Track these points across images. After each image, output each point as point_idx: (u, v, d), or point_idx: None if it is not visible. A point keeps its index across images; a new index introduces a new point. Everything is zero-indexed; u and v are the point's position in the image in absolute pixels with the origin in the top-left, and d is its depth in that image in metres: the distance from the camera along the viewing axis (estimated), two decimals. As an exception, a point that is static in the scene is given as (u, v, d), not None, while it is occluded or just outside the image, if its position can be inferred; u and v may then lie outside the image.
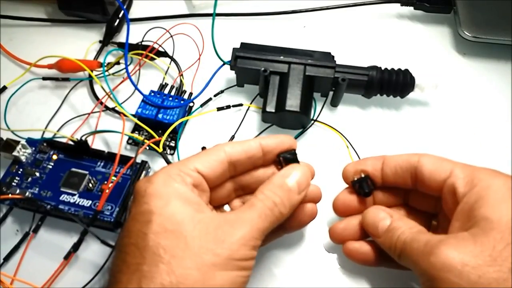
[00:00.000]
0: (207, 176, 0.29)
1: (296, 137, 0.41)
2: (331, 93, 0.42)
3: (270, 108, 0.38)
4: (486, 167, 0.28)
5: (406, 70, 0.41)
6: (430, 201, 0.31)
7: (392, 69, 0.41)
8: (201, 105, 0.43)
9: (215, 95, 0.43)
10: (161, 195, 0.26)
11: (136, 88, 0.40)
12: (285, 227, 0.32)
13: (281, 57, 0.40)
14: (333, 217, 0.35)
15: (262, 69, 0.39)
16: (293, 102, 0.38)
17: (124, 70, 0.44)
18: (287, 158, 0.31)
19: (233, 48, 0.41)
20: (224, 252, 0.25)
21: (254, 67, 0.40)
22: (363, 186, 0.31)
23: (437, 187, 0.29)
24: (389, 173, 0.31)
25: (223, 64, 0.42)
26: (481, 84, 0.45)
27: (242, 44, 0.42)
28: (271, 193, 0.28)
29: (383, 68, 0.41)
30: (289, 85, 0.38)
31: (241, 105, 0.42)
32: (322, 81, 0.40)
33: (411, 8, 0.49)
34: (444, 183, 0.28)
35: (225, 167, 0.29)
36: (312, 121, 0.41)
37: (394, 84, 0.40)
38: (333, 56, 0.41)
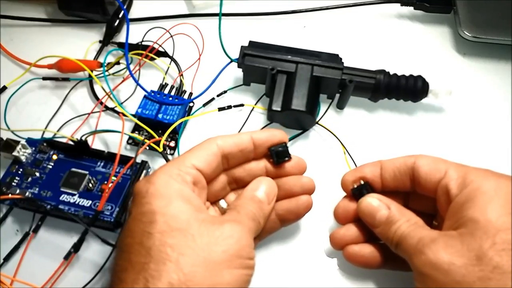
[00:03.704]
0: (204, 171, 0.29)
1: (293, 138, 0.41)
2: (337, 95, 0.42)
3: (276, 106, 0.38)
4: (482, 167, 0.28)
5: (419, 76, 0.40)
6: (429, 202, 0.31)
7: (403, 75, 0.41)
8: (204, 105, 0.43)
9: (218, 95, 0.43)
10: (162, 195, 0.26)
11: (138, 84, 0.40)
12: (282, 220, 0.32)
13: (289, 57, 0.40)
14: (334, 224, 0.35)
15: (270, 67, 0.39)
16: (299, 102, 0.38)
17: (124, 70, 0.44)
18: (278, 151, 0.32)
19: (241, 46, 0.41)
20: (232, 248, 0.25)
21: (261, 65, 0.40)
22: (363, 194, 0.31)
23: (433, 188, 0.29)
24: (388, 178, 0.31)
25: (231, 62, 0.42)
26: (481, 84, 0.45)
27: (250, 42, 0.42)
28: (246, 205, 0.29)
29: (391, 73, 0.41)
30: (296, 84, 0.38)
31: (242, 105, 0.42)
32: (329, 82, 0.40)
33: (411, 8, 0.49)
34: (438, 184, 0.28)
35: (219, 160, 0.30)
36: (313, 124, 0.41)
37: (402, 89, 0.40)
38: (340, 58, 0.41)
